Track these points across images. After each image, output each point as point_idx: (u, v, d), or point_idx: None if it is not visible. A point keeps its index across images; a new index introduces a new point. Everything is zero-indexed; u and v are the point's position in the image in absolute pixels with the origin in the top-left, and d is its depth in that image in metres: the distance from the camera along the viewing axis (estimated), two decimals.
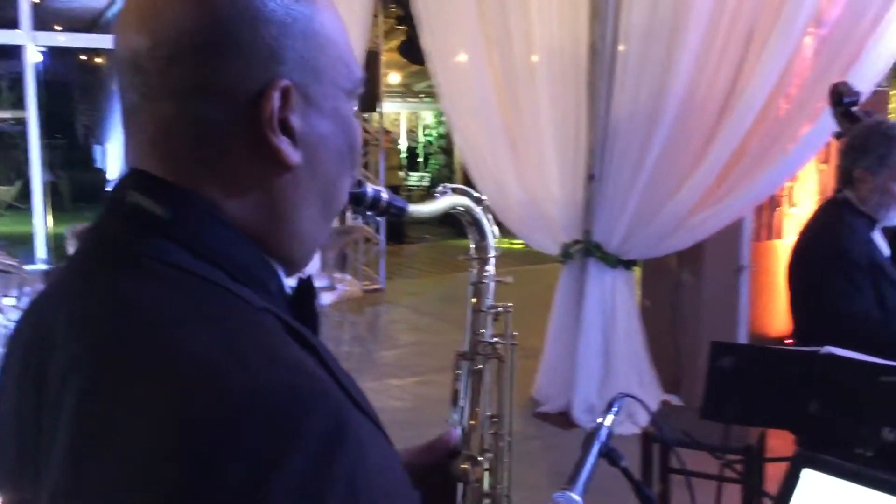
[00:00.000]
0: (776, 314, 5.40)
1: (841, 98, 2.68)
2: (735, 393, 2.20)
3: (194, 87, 0.66)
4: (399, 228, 11.62)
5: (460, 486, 0.99)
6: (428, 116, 16.82)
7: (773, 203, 5.24)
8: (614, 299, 4.48)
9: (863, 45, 3.76)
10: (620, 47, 4.32)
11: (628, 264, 4.53)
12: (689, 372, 4.50)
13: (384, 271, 8.80)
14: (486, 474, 1.01)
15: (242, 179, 0.69)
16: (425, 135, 16.99)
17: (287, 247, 0.73)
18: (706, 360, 4.43)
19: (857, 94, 2.66)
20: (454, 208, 1.00)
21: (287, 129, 0.68)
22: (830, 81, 3.95)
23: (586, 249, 4.50)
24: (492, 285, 1.03)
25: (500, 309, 1.03)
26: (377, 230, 8.61)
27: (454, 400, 1.03)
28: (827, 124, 4.01)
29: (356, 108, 0.77)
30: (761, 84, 4.01)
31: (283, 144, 0.68)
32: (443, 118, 13.80)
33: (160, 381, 0.58)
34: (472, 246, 1.04)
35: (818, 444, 2.11)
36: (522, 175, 4.75)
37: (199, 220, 0.67)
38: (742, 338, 4.54)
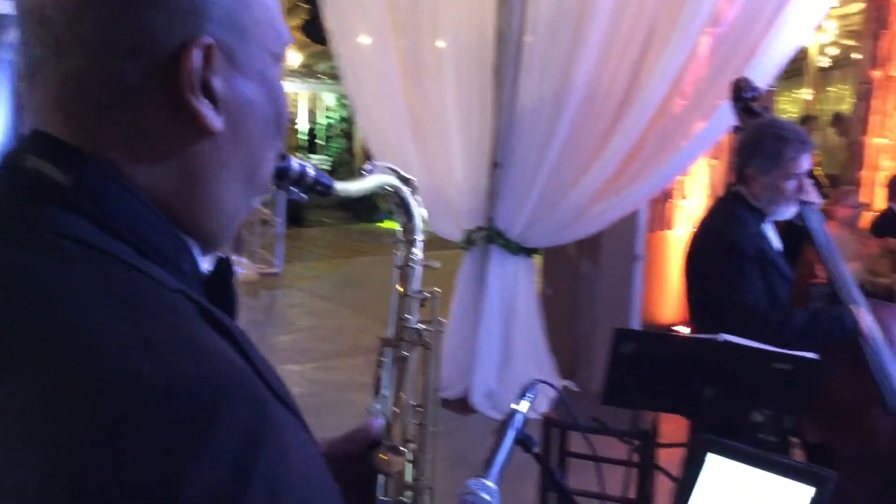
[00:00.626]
0: (667, 302, 5.61)
1: (741, 93, 2.77)
2: (635, 379, 2.25)
3: (106, 40, 0.60)
4: (298, 211, 11.41)
5: (381, 478, 0.96)
6: (329, 98, 16.56)
7: (666, 196, 5.43)
8: (515, 286, 4.53)
9: (758, 44, 3.91)
10: (527, 37, 4.35)
11: (530, 252, 4.59)
12: (585, 359, 4.61)
13: (281, 255, 8.62)
14: (409, 465, 0.98)
15: (157, 145, 0.63)
16: (326, 117, 16.72)
17: (204, 222, 0.67)
18: (603, 347, 4.55)
19: (756, 89, 2.77)
20: (382, 188, 0.96)
21: (208, 92, 0.63)
22: (726, 80, 4.10)
23: (489, 236, 4.53)
24: (418, 269, 1.00)
25: (427, 294, 1.01)
26: (274, 212, 8.42)
27: (376, 388, 1.00)
28: (719, 122, 4.20)
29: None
30: (660, 80, 4.12)
31: (204, 108, 0.63)
32: (345, 100, 13.61)
33: (61, 371, 0.52)
34: (399, 228, 1.01)
35: (711, 429, 2.18)
36: (426, 161, 4.73)
37: (105, 190, 0.61)
38: (635, 325, 4.69)
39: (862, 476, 2.30)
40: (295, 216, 10.97)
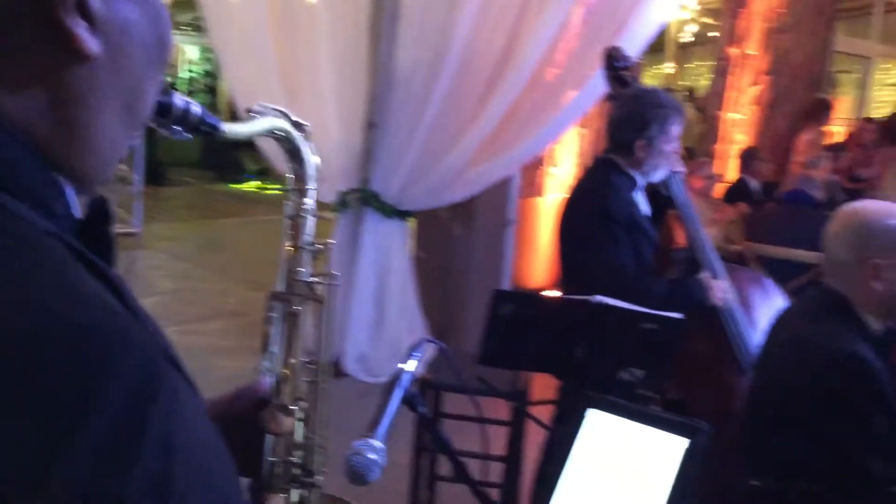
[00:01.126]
0: (536, 267, 5.76)
1: (614, 62, 2.84)
2: (511, 340, 2.29)
3: None
4: (157, 169, 10.87)
5: (270, 438, 0.92)
6: (192, 51, 15.81)
7: (538, 163, 5.54)
8: (389, 250, 4.51)
9: (627, 17, 4.02)
10: None
11: (404, 215, 4.57)
12: (456, 321, 4.67)
13: (140, 214, 8.21)
14: (300, 424, 0.94)
15: (25, 71, 0.56)
16: (189, 70, 15.97)
17: (79, 160, 0.61)
18: (474, 310, 4.61)
19: (628, 59, 2.84)
20: (273, 131, 0.91)
21: (84, 12, 0.56)
22: (596, 51, 4.21)
23: (363, 199, 4.47)
24: (310, 220, 0.96)
25: (319, 246, 0.96)
26: (132, 169, 7.99)
27: (264, 345, 0.95)
28: (590, 92, 4.30)
29: None
30: (534, 49, 4.17)
31: (79, 29, 0.56)
32: (209, 54, 13.04)
33: None
34: (290, 176, 0.96)
35: (581, 387, 2.26)
36: (298, 118, 4.58)
37: None
38: (506, 288, 4.78)
39: (716, 432, 2.44)
40: (154, 174, 10.45)
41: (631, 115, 2.59)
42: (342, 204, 4.55)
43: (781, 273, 3.95)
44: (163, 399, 0.50)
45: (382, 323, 4.50)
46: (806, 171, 5.05)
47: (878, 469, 1.58)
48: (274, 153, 4.57)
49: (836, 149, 6.50)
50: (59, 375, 0.46)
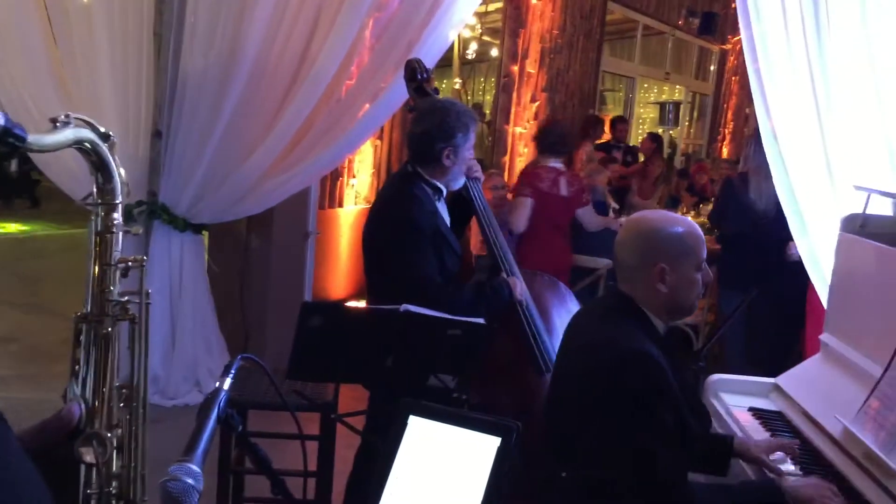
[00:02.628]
0: (337, 277, 5.74)
1: (415, 74, 2.91)
2: (321, 351, 2.27)
3: None
4: None
5: (84, 469, 0.85)
6: None
7: (336, 174, 5.53)
8: (182, 265, 4.30)
9: (419, 33, 4.12)
10: (190, 3, 4.12)
11: (197, 228, 4.38)
12: (256, 336, 4.55)
13: None
14: (115, 454, 0.88)
15: None
16: None
17: None
18: (275, 324, 4.51)
19: (428, 71, 2.92)
20: (79, 143, 0.85)
21: None
22: (390, 65, 4.31)
23: (151, 211, 4.24)
24: (120, 235, 0.90)
25: (130, 263, 0.91)
26: None
27: (74, 371, 0.88)
28: (385, 104, 4.38)
29: None
30: (328, 61, 4.16)
31: None
32: None
33: None
34: (95, 189, 0.90)
35: (390, 396, 2.28)
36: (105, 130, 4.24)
37: None
38: (308, 300, 4.72)
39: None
40: None
41: (438, 125, 2.64)
42: (128, 217, 4.27)
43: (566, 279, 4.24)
44: None
45: (177, 341, 4.28)
46: (591, 181, 5.45)
47: (669, 458, 1.74)
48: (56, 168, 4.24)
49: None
50: None
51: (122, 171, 0.91)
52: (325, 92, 4.24)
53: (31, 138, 0.77)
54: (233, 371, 1.32)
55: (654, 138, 9.19)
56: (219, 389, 1.25)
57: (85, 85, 4.26)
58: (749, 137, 4.44)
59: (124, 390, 0.91)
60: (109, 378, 0.89)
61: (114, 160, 0.90)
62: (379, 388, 2.58)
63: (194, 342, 4.32)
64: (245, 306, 4.65)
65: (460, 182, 2.72)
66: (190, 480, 1.11)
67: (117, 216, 0.90)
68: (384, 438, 1.41)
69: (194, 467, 1.13)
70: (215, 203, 4.29)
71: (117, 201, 0.91)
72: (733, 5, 3.06)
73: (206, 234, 4.58)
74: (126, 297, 0.91)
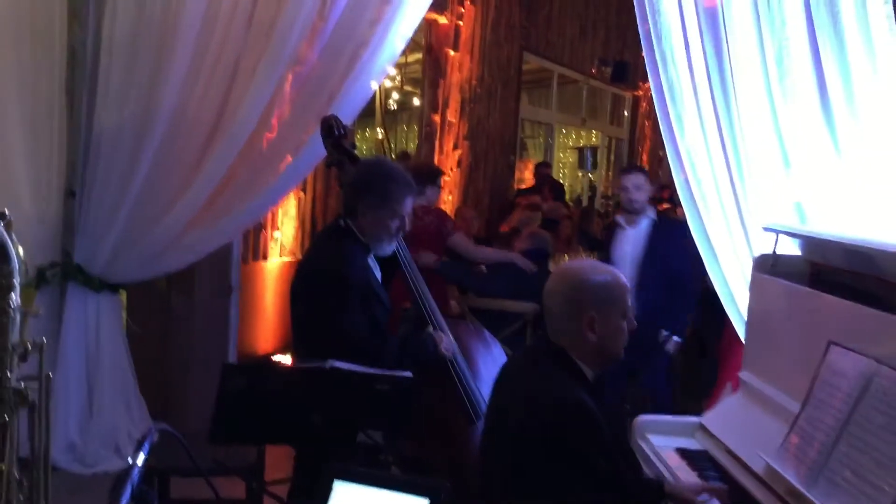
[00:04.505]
0: (262, 332, 5.63)
1: (332, 130, 2.92)
2: (245, 413, 2.21)
3: None
4: None
5: None
6: None
7: (259, 227, 5.46)
8: (98, 327, 4.15)
9: (341, 83, 4.14)
10: (103, 59, 4.05)
11: (115, 288, 4.24)
12: (178, 397, 4.40)
13: None
14: None
15: None
16: None
17: None
18: (199, 384, 4.38)
19: (345, 127, 2.93)
20: None
21: None
22: (311, 117, 4.31)
23: (65, 273, 4.09)
24: (18, 318, 0.86)
25: (29, 346, 0.87)
26: None
27: None
28: (307, 157, 4.36)
29: None
30: (247, 115, 4.13)
31: None
32: None
33: None
34: None
35: (318, 456, 2.23)
36: None
37: None
38: (232, 357, 4.61)
39: (454, 484, 2.54)
40: None
41: (359, 181, 2.66)
42: (40, 280, 4.11)
43: (491, 324, 4.25)
44: None
45: (95, 407, 4.11)
46: (538, 232, 5.59)
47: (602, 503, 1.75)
48: None
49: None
50: None
51: (21, 250, 0.87)
52: (246, 145, 4.19)
53: None
54: (147, 444, 1.28)
55: (543, 166, 9.54)
56: (132, 467, 1.20)
57: None
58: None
59: (25, 482, 0.86)
60: (7, 469, 0.84)
61: (11, 240, 0.86)
62: (306, 446, 2.52)
63: (113, 406, 4.15)
64: (166, 367, 4.51)
65: (387, 247, 2.70)
66: None
67: (14, 297, 0.86)
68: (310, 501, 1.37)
69: None
70: (133, 261, 4.17)
71: (14, 282, 0.86)
72: (643, 54, 3.22)
73: (124, 293, 4.44)
74: (24, 384, 0.86)
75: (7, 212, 0.85)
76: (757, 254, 2.70)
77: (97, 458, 4.03)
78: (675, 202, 7.42)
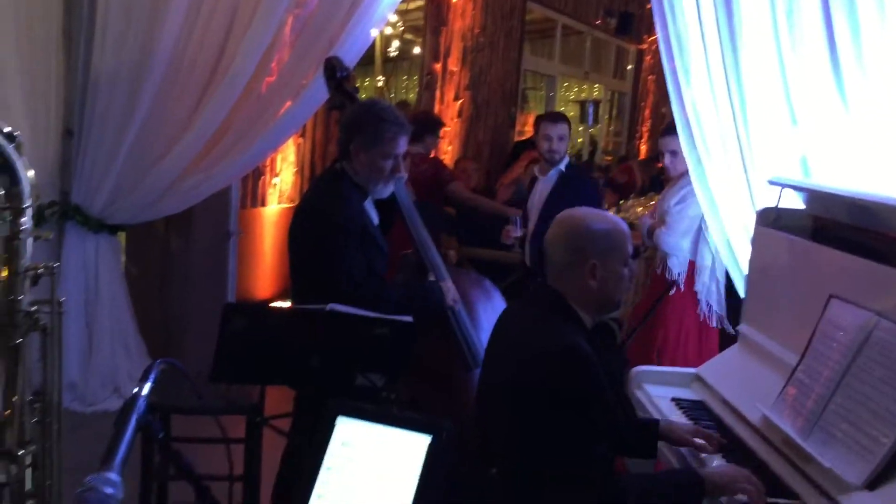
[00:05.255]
0: (261, 278, 5.64)
1: (334, 71, 2.88)
2: (245, 353, 2.22)
3: None
4: None
5: None
6: None
7: (258, 173, 5.43)
8: (97, 267, 4.15)
9: (340, 30, 4.08)
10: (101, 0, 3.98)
11: (113, 229, 4.23)
12: (177, 338, 4.42)
13: None
14: (30, 471, 0.83)
15: None
16: None
17: None
18: (197, 325, 4.40)
19: (347, 69, 2.89)
20: None
21: None
22: (311, 62, 4.26)
23: (64, 213, 4.07)
24: (29, 242, 0.85)
25: (41, 270, 0.86)
26: None
27: None
28: (307, 102, 4.32)
29: None
30: (246, 59, 4.08)
31: None
32: None
33: None
34: (2, 192, 0.85)
35: (317, 397, 2.25)
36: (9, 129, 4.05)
37: None
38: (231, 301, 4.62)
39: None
40: None
41: (351, 121, 2.64)
42: (39, 219, 4.10)
43: (491, 275, 4.26)
44: None
45: (94, 346, 4.13)
46: (522, 178, 5.55)
47: (600, 452, 1.76)
48: None
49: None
50: None
51: (31, 173, 0.86)
52: (245, 90, 4.15)
53: None
54: (152, 376, 1.28)
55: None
56: (137, 395, 1.21)
57: None
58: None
59: (36, 404, 0.86)
60: (20, 392, 0.84)
61: (21, 161, 0.85)
62: (305, 388, 2.54)
63: (112, 346, 4.18)
64: (165, 309, 4.52)
65: (383, 189, 2.68)
66: (109, 490, 1.07)
67: (26, 221, 0.85)
68: (311, 440, 1.38)
69: (112, 476, 1.09)
70: (132, 203, 4.15)
71: (25, 205, 0.85)
72: (649, 6, 3.15)
73: (122, 235, 4.43)
74: (36, 307, 0.85)
75: (19, 134, 0.83)
76: (760, 207, 2.69)
77: (96, 397, 4.07)
78: None
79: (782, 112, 2.75)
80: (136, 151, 4.09)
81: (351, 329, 2.25)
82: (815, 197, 2.55)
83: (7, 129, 0.83)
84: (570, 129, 4.35)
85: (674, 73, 3.07)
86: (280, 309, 2.54)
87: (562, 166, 4.27)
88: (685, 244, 3.64)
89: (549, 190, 4.25)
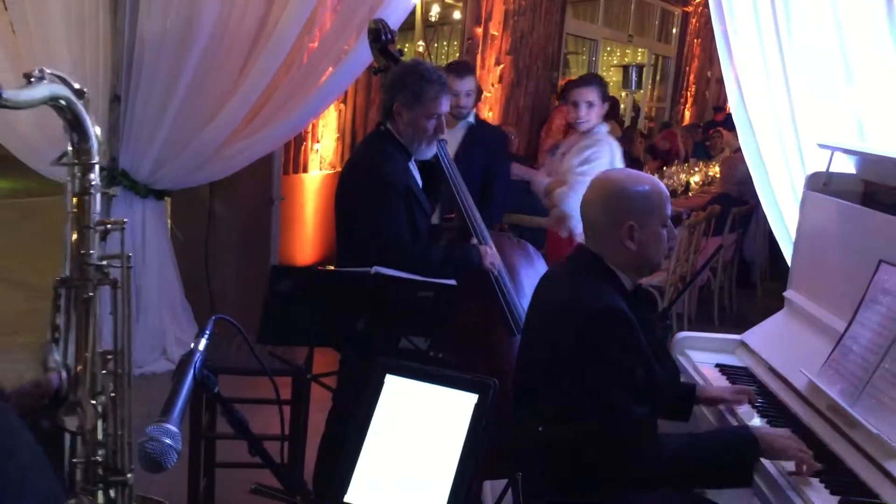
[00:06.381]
0: (303, 243, 5.70)
1: (379, 35, 2.87)
2: (291, 315, 2.26)
3: None
4: None
5: (69, 438, 0.83)
6: None
7: (300, 139, 5.46)
8: (144, 232, 4.23)
9: None
10: None
11: (160, 194, 4.31)
12: (222, 301, 4.50)
13: None
14: (101, 421, 0.86)
15: None
16: None
17: None
18: (242, 290, 4.47)
19: (393, 32, 2.88)
20: (54, 99, 0.82)
21: None
22: (353, 28, 4.26)
23: (111, 177, 4.15)
24: (98, 197, 0.88)
25: (109, 226, 0.89)
26: None
27: (53, 336, 0.85)
28: (349, 68, 4.33)
29: None
30: (289, 26, 4.11)
31: None
32: None
33: None
34: (70, 149, 0.87)
35: (362, 359, 2.28)
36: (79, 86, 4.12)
37: None
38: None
39: None
40: None
41: (394, 81, 2.64)
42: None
43: (532, 239, 4.24)
44: None
45: (141, 310, 4.22)
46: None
47: (640, 411, 1.77)
48: None
49: None
50: None
51: (98, 130, 0.89)
52: (287, 57, 4.18)
53: (6, 94, 0.75)
54: (207, 332, 1.31)
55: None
56: (194, 350, 1.24)
57: (38, 48, 4.13)
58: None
59: (108, 356, 0.89)
60: (92, 344, 0.87)
61: (89, 118, 0.87)
62: (350, 350, 2.57)
63: (160, 310, 4.28)
64: (210, 273, 4.60)
65: (426, 149, 2.68)
66: (168, 441, 1.10)
67: (94, 177, 0.88)
68: (359, 398, 1.41)
69: (172, 427, 1.13)
70: (177, 169, 4.21)
71: (94, 161, 0.88)
72: None
73: (168, 200, 4.51)
74: (106, 262, 0.88)
75: (87, 92, 0.85)
76: (810, 172, 2.64)
77: (144, 359, 4.17)
78: (730, 126, 7.25)
79: (838, 73, 2.68)
80: (182, 118, 4.14)
81: (395, 291, 2.27)
82: (866, 161, 2.50)
83: (77, 86, 0.85)
84: (475, 82, 3.91)
85: (725, 35, 3.01)
86: (326, 271, 2.56)
87: (470, 119, 3.88)
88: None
89: (457, 144, 3.83)
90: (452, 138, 3.99)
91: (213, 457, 2.89)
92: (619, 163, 3.58)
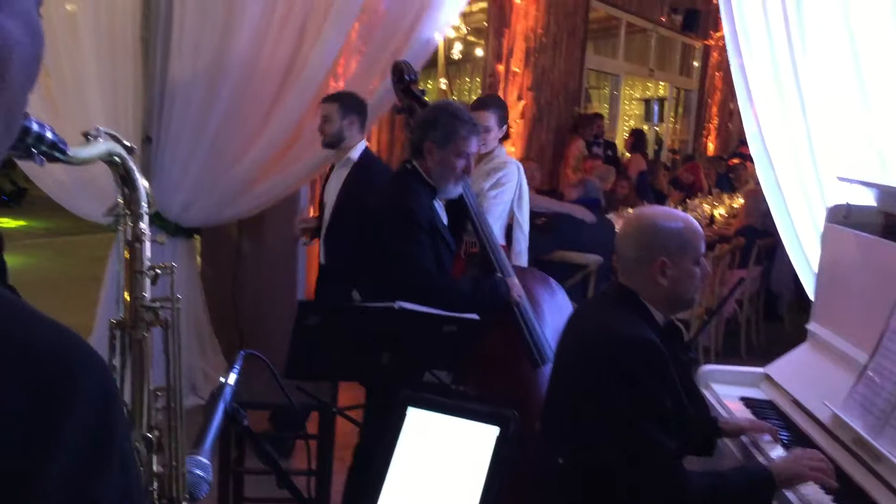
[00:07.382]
0: None
1: (403, 75, 2.95)
2: (318, 350, 2.30)
3: None
4: None
5: None
6: None
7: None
8: (175, 270, 4.31)
9: (407, 36, 4.16)
10: (176, 9, 4.14)
11: (189, 233, 4.40)
12: (251, 337, 4.57)
13: None
14: (155, 454, 0.92)
15: None
16: None
17: None
18: (269, 326, 4.53)
19: (415, 72, 2.96)
20: (110, 156, 0.89)
21: None
22: (379, 67, 4.36)
23: None
24: (147, 244, 0.94)
25: (158, 271, 0.95)
26: None
27: None
28: (373, 106, 4.41)
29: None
30: (317, 65, 4.21)
31: None
32: None
33: None
34: (121, 200, 0.94)
35: (387, 393, 2.31)
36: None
37: None
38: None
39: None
40: None
41: (426, 119, 2.70)
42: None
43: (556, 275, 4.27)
44: (117, 411, 0.56)
45: None
46: (589, 177, 5.50)
47: (668, 444, 1.78)
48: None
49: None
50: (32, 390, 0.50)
51: (146, 182, 0.95)
52: (315, 95, 4.27)
53: (71, 151, 0.82)
54: (237, 366, 1.36)
55: (634, 134, 9.33)
56: (224, 384, 1.29)
57: (72, 92, 4.27)
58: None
59: (159, 393, 0.96)
60: (146, 382, 0.93)
61: (138, 171, 0.94)
62: (375, 384, 2.61)
63: (189, 345, 4.34)
64: (238, 309, 4.67)
65: (453, 189, 2.74)
66: (199, 472, 1.15)
67: (145, 225, 0.94)
68: (383, 431, 1.44)
69: (203, 459, 1.17)
70: (206, 207, 4.31)
71: (144, 210, 0.95)
72: (715, 1, 3.12)
73: (197, 238, 4.60)
74: (158, 304, 0.95)
75: (135, 147, 0.92)
76: (830, 205, 2.66)
77: None
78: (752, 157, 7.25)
79: (856, 101, 2.70)
80: (211, 157, 4.24)
81: (420, 327, 2.31)
82: (886, 193, 2.51)
83: (127, 143, 0.92)
84: (340, 107, 3.77)
85: (741, 69, 3.05)
86: (352, 307, 2.61)
87: (359, 150, 3.81)
88: (496, 229, 3.32)
89: (342, 180, 3.79)
90: (339, 173, 3.86)
91: (241, 491, 2.93)
92: (524, 182, 3.65)
